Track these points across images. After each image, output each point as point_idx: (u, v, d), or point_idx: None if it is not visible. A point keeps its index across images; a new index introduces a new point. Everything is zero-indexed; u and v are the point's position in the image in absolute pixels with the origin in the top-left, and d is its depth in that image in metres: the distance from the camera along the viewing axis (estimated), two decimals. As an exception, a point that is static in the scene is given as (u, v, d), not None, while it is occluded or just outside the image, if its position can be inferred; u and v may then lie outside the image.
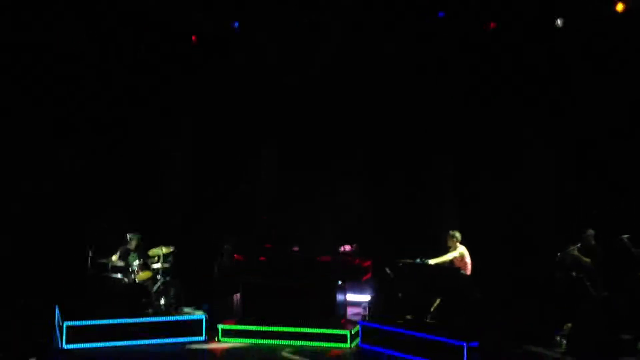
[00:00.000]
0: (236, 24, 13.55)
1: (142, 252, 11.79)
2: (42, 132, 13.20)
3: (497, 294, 11.05)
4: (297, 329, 10.79)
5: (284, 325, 10.86)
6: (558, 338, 8.88)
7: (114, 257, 11.50)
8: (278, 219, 13.81)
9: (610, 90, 11.44)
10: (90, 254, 11.36)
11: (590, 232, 9.62)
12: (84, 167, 13.45)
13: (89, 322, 10.53)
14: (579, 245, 9.48)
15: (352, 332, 10.75)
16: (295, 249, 12.09)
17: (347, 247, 11.68)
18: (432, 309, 10.49)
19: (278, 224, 13.59)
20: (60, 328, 10.41)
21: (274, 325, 10.89)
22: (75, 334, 10.37)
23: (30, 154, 13.10)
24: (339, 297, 11.31)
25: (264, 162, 14.37)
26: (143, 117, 13.83)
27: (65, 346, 10.29)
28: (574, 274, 9.23)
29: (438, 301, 10.49)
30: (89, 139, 13.53)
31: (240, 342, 10.87)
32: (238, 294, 11.64)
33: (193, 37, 13.73)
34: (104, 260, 11.38)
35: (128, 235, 11.80)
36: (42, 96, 13.04)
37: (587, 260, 9.37)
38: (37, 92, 12.99)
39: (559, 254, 9.50)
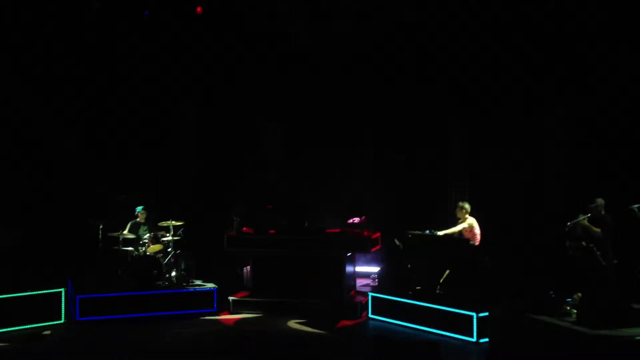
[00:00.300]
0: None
1: (152, 225, 11.88)
2: (56, 108, 13.27)
3: (507, 264, 11.06)
4: (306, 300, 10.87)
5: (293, 297, 10.95)
6: (568, 308, 8.89)
7: (125, 231, 11.60)
8: (288, 191, 13.85)
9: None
10: (100, 228, 11.47)
11: (600, 201, 9.58)
12: (95, 140, 13.51)
13: (101, 295, 10.64)
14: (589, 215, 9.46)
15: (362, 304, 10.82)
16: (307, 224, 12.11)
17: (356, 219, 11.68)
18: (441, 280, 10.54)
19: (288, 196, 13.64)
20: (74, 301, 10.52)
21: (283, 297, 10.98)
22: (88, 307, 10.49)
23: (44, 126, 13.20)
24: (348, 268, 11.37)
25: (272, 136, 14.34)
26: (156, 90, 13.85)
27: (78, 318, 10.42)
28: (584, 243, 9.21)
29: (447, 272, 10.53)
30: (101, 113, 13.58)
31: (251, 314, 10.97)
32: (248, 266, 11.72)
33: (199, 9, 13.66)
34: (115, 234, 11.47)
35: (137, 209, 11.90)
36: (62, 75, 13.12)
37: (597, 230, 9.35)
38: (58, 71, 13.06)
39: (568, 223, 9.48)
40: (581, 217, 9.47)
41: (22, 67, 12.93)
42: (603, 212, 9.51)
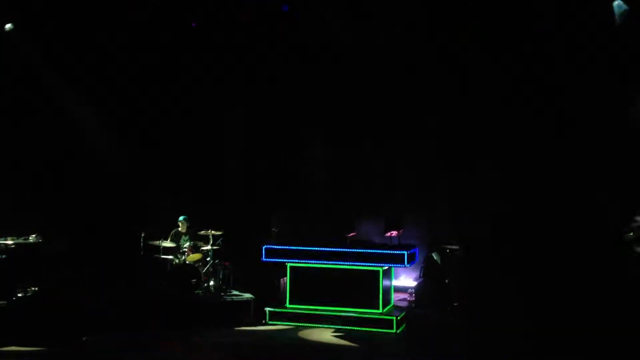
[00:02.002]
0: (285, 7, 13.64)
1: (192, 234, 12.06)
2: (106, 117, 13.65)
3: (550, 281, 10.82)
4: (343, 313, 10.86)
5: (330, 309, 10.96)
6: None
7: (167, 242, 11.79)
8: (330, 202, 13.87)
9: None
10: (142, 236, 11.69)
11: None
12: (138, 151, 13.81)
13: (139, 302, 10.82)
14: None
15: (399, 318, 10.75)
16: (353, 234, 12.11)
17: (394, 233, 11.65)
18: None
19: (331, 208, 13.67)
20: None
21: (320, 309, 10.99)
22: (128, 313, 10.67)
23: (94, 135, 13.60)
24: (385, 282, 11.32)
25: (313, 145, 14.39)
26: (201, 99, 14.11)
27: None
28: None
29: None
30: (144, 123, 13.89)
31: (287, 325, 11.01)
32: (285, 277, 11.77)
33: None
34: (156, 242, 11.67)
35: (179, 219, 12.09)
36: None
37: None
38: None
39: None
40: None
41: (74, 78, 13.33)
42: None
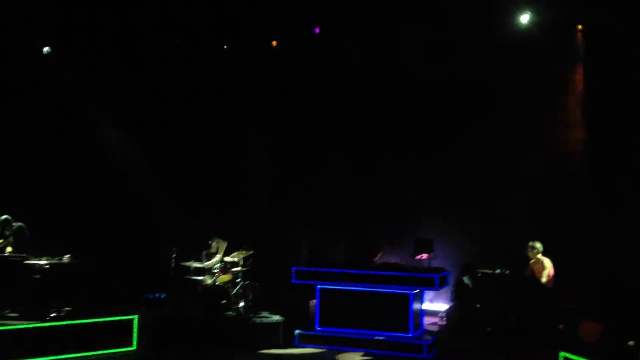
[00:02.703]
0: (316, 30, 13.80)
1: (223, 255, 12.12)
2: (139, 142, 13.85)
3: (582, 305, 10.65)
4: (373, 337, 10.78)
5: (359, 333, 10.89)
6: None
7: (197, 263, 11.86)
8: (361, 225, 13.86)
9: None
10: (174, 257, 11.78)
11: None
12: (168, 173, 13.99)
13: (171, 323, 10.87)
14: None
15: (429, 343, 10.63)
16: (378, 256, 12.06)
17: (424, 256, 11.57)
18: (512, 321, 10.26)
19: (362, 231, 13.65)
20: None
21: (349, 332, 10.93)
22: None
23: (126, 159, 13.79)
24: (416, 305, 11.22)
25: (337, 169, 14.43)
26: (225, 121, 14.27)
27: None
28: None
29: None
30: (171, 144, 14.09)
31: (316, 348, 10.96)
32: (314, 300, 11.74)
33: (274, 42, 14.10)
34: (187, 263, 11.75)
35: (213, 240, 12.15)
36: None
37: None
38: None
39: None
40: None
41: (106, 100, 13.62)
42: None
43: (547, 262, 10.58)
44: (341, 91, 13.91)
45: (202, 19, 13.41)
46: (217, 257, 12.06)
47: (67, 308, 10.40)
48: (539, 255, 10.61)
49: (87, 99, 13.75)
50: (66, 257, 10.86)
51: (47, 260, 10.69)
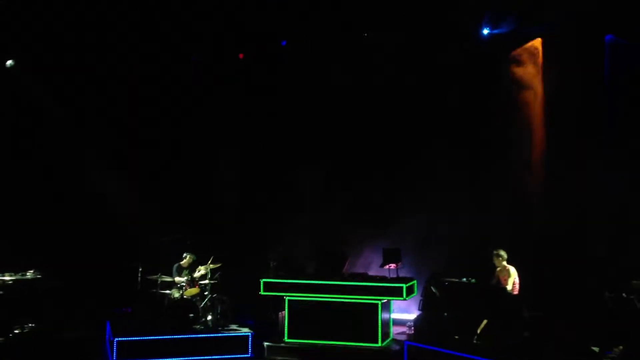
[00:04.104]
0: (283, 42, 13.87)
1: (194, 269, 12.04)
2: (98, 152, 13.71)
3: (546, 313, 10.83)
4: (341, 347, 10.79)
5: (328, 343, 10.89)
6: (608, 361, 8.68)
7: (165, 277, 11.75)
8: (326, 237, 13.92)
9: None
10: (140, 271, 11.66)
11: None
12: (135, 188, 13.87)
13: (138, 338, 10.74)
14: None
15: (397, 352, 10.67)
16: (346, 267, 12.12)
17: (392, 265, 11.64)
18: (479, 330, 10.36)
19: (326, 244, 13.71)
20: (111, 343, 10.64)
21: (318, 343, 10.93)
22: (125, 350, 10.59)
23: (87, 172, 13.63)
24: (384, 315, 11.28)
25: (308, 180, 14.50)
26: (195, 137, 14.26)
27: (115, 361, 10.55)
28: (624, 294, 8.99)
29: (485, 321, 10.36)
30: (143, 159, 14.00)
31: (286, 359, 10.93)
32: (283, 311, 11.72)
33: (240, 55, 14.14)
34: (154, 277, 11.63)
35: (185, 254, 12.05)
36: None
37: None
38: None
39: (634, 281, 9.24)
40: None
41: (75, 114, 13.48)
42: None
43: (513, 270, 10.72)
44: (313, 107, 14.02)
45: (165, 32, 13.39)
46: (186, 272, 11.97)
47: (30, 324, 10.21)
48: (504, 263, 10.76)
49: (55, 107, 13.54)
50: (30, 273, 10.68)
51: (10, 276, 10.50)
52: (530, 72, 12.68)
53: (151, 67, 13.85)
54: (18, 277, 10.53)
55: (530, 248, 11.99)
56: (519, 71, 12.75)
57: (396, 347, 11.07)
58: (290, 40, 13.87)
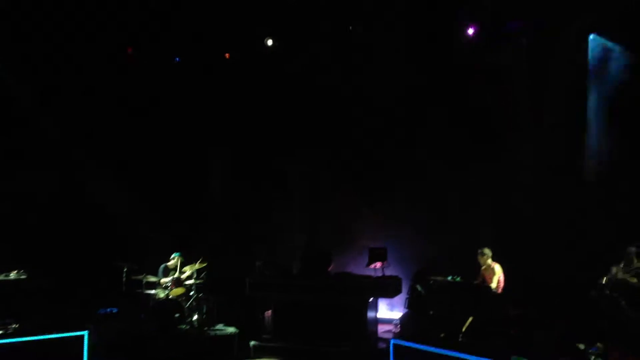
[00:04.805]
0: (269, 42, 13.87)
1: (178, 269, 12.00)
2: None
3: (530, 310, 10.87)
4: (327, 347, 10.78)
5: (315, 344, 10.88)
6: (592, 358, 8.70)
7: (150, 277, 11.70)
8: (311, 237, 13.94)
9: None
10: (125, 271, 11.60)
11: (632, 250, 9.42)
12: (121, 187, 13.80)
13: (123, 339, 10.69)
14: (622, 265, 9.26)
15: (384, 351, 10.66)
16: (332, 268, 12.12)
17: (378, 264, 11.65)
18: (464, 327, 10.39)
19: (311, 243, 13.73)
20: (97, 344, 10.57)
21: (304, 343, 10.91)
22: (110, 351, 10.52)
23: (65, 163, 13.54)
24: (370, 314, 11.28)
25: (297, 180, 14.52)
26: (185, 136, 14.21)
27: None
28: (607, 292, 9.04)
29: (470, 319, 10.39)
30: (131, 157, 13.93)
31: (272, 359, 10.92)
32: (269, 311, 11.70)
33: (227, 55, 14.13)
34: (139, 277, 11.58)
35: (173, 255, 12.01)
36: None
37: (635, 280, 9.14)
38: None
39: (604, 280, 9.27)
40: (615, 270, 9.24)
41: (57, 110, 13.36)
42: (636, 261, 9.31)
43: (498, 268, 10.77)
44: (299, 105, 14.02)
45: (153, 30, 13.33)
46: (172, 272, 11.93)
47: (14, 325, 10.13)
48: (489, 261, 10.80)
49: (42, 110, 13.46)
50: (13, 273, 10.60)
51: (-7, 276, 10.43)
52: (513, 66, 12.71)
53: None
54: (2, 277, 10.45)
55: (516, 246, 12.03)
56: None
57: (382, 345, 11.06)
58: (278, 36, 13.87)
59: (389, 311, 13.15)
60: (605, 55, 11.84)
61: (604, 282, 9.21)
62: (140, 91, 13.95)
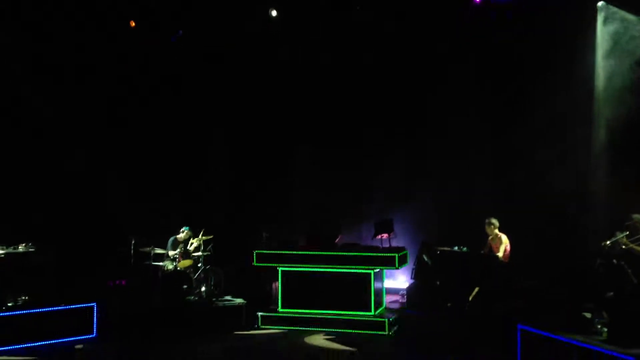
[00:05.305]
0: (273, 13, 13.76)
1: (185, 242, 12.05)
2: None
3: (536, 280, 10.90)
4: (335, 316, 10.87)
5: (322, 312, 10.97)
6: (599, 326, 8.73)
7: (158, 249, 11.76)
8: (318, 209, 13.96)
9: None
10: (132, 243, 11.66)
11: (637, 217, 9.40)
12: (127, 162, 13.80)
13: (131, 310, 10.80)
14: (626, 233, 9.24)
15: (391, 320, 10.77)
16: (339, 238, 12.17)
17: (385, 236, 11.66)
18: (470, 297, 10.44)
19: (318, 213, 13.75)
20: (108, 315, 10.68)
21: (312, 312, 11.00)
22: (119, 321, 10.64)
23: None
24: (377, 284, 11.34)
25: (302, 155, 14.53)
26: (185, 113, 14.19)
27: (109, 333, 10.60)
28: (614, 261, 9.04)
29: (477, 289, 10.43)
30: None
31: (280, 329, 11.01)
32: (277, 282, 11.77)
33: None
34: (147, 249, 11.65)
35: (183, 228, 12.05)
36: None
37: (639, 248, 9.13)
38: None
39: (608, 242, 9.26)
40: (619, 235, 9.23)
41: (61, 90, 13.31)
42: None
43: (505, 238, 10.79)
44: (301, 84, 13.98)
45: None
46: (181, 245, 11.98)
47: (24, 297, 10.22)
48: (497, 231, 10.82)
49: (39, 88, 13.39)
50: (22, 246, 10.65)
51: (1, 249, 10.47)
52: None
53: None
54: (10, 250, 10.50)
55: (522, 217, 12.03)
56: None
57: (389, 315, 11.14)
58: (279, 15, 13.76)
59: (395, 282, 13.21)
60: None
61: (608, 243, 9.19)
62: (141, 70, 13.85)
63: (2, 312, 9.70)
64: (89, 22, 13.06)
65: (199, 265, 11.80)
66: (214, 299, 11.46)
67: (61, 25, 12.80)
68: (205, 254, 11.82)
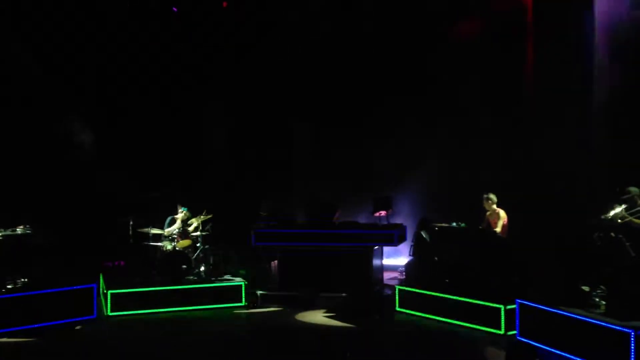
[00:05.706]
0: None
1: (184, 222, 12.04)
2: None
3: (532, 255, 10.90)
4: (334, 294, 10.88)
5: (320, 291, 10.98)
6: (597, 300, 8.74)
7: (155, 229, 11.74)
8: (316, 187, 13.94)
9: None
10: (130, 224, 11.65)
11: (635, 190, 9.35)
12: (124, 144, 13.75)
13: (132, 290, 10.81)
14: (625, 206, 9.20)
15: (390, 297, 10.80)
16: (337, 215, 12.16)
17: (383, 213, 11.67)
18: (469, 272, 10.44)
19: (316, 192, 13.73)
20: (105, 296, 10.70)
21: (310, 292, 11.01)
22: (119, 302, 10.67)
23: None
24: (376, 262, 11.36)
25: (300, 134, 14.48)
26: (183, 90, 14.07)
27: (109, 313, 10.61)
28: (612, 234, 9.00)
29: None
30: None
31: (279, 308, 11.03)
32: (275, 261, 11.79)
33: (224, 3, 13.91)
34: (145, 229, 11.63)
35: (181, 208, 12.02)
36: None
37: (639, 222, 9.10)
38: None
39: (610, 215, 9.22)
40: (618, 209, 9.18)
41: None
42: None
43: (502, 213, 10.76)
44: (302, 55, 13.86)
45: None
46: (178, 223, 11.96)
47: (23, 279, 10.23)
48: (494, 207, 10.79)
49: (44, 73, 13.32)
50: (20, 228, 10.63)
51: (-1, 231, 10.46)
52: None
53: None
54: (8, 232, 10.48)
55: (520, 192, 12.01)
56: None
57: (388, 291, 11.17)
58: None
59: (394, 258, 13.23)
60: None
61: (610, 216, 9.13)
62: (137, 47, 13.75)
63: (2, 295, 9.69)
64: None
65: (198, 245, 11.79)
66: (213, 279, 11.47)
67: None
68: (203, 233, 11.81)
